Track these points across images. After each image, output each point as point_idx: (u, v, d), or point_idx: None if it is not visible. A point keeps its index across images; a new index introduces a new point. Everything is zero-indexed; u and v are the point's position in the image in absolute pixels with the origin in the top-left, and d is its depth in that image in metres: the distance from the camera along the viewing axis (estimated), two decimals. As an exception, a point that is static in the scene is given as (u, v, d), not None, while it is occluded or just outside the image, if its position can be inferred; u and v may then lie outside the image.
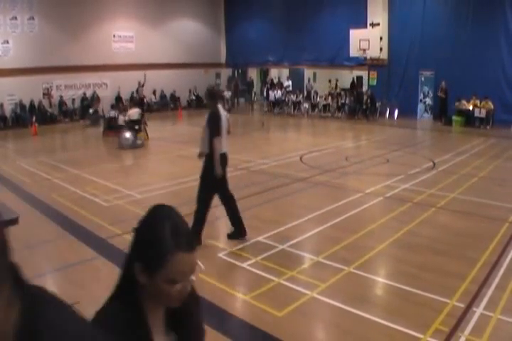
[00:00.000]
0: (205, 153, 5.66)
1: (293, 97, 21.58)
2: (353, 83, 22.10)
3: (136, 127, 13.56)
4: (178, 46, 23.63)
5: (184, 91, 23.82)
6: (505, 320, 4.03)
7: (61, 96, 19.56)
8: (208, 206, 5.76)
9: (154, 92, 22.99)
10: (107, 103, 18.82)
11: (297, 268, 5.15)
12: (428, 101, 18.81)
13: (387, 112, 19.40)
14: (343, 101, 20.04)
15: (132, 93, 22.11)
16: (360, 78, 21.73)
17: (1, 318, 0.71)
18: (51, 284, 4.99)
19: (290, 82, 23.57)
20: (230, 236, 6.00)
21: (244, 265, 5.25)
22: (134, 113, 13.83)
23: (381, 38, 19.02)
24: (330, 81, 21.96)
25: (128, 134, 13.05)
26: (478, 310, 4.18)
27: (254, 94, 25.35)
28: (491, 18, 16.36)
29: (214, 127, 5.55)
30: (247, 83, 25.42)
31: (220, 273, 5.08)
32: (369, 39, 18.89)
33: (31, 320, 0.76)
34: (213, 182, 5.66)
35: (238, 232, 5.95)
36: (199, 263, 1.34)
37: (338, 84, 21.89)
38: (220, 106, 5.78)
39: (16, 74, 17.73)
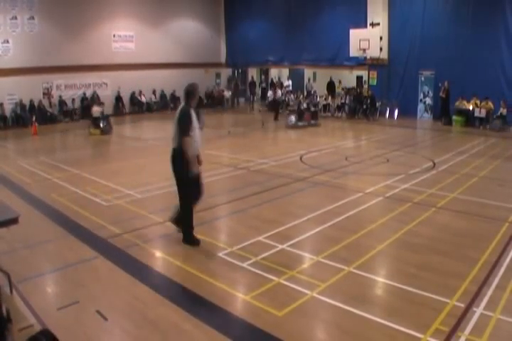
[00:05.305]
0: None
1: (293, 97, 21.56)
2: (330, 83, 21.98)
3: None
4: (178, 46, 23.63)
5: (184, 91, 23.77)
6: (505, 320, 4.03)
7: (61, 96, 19.57)
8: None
9: (154, 92, 23.00)
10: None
11: (297, 268, 5.15)
12: (428, 101, 18.80)
13: (387, 112, 19.41)
14: (343, 101, 20.05)
15: (133, 93, 22.12)
16: (360, 78, 21.72)
17: None
18: (51, 284, 4.99)
19: (290, 82, 23.56)
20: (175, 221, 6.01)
21: (244, 265, 5.25)
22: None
23: (381, 38, 19.01)
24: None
25: (293, 117, 17.15)
26: (478, 310, 4.18)
27: (255, 94, 25.32)
28: (491, 18, 16.36)
29: (185, 126, 5.53)
30: (250, 83, 25.39)
31: (220, 273, 5.08)
32: (369, 39, 18.88)
33: None
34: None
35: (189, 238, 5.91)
36: None
37: (341, 84, 21.83)
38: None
39: (16, 74, 17.74)
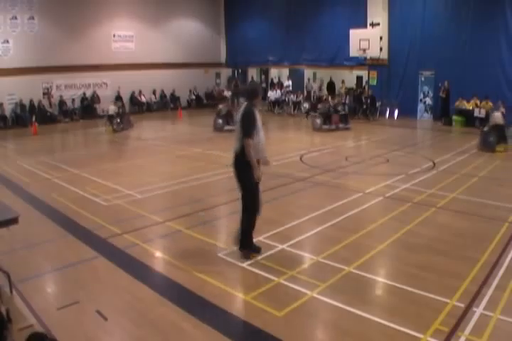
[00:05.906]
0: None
1: (293, 97, 21.57)
2: (330, 83, 22.01)
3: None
4: (178, 46, 23.63)
5: (184, 91, 23.83)
6: (505, 320, 4.03)
7: (61, 96, 19.57)
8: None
9: (154, 92, 23.00)
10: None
11: (297, 268, 5.15)
12: (428, 101, 18.80)
13: (387, 112, 19.40)
14: (343, 101, 20.03)
15: (133, 93, 22.11)
16: (360, 78, 21.71)
17: None
18: (51, 284, 5.00)
19: (290, 82, 23.57)
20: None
21: (244, 265, 5.25)
22: None
23: (381, 38, 18.99)
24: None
25: (318, 120, 16.05)
26: (478, 310, 4.18)
27: None
28: (491, 18, 16.34)
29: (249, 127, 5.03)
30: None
31: (220, 273, 5.07)
32: (369, 39, 18.85)
33: None
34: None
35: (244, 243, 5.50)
36: None
37: (344, 84, 21.83)
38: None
39: (15, 74, 17.75)
